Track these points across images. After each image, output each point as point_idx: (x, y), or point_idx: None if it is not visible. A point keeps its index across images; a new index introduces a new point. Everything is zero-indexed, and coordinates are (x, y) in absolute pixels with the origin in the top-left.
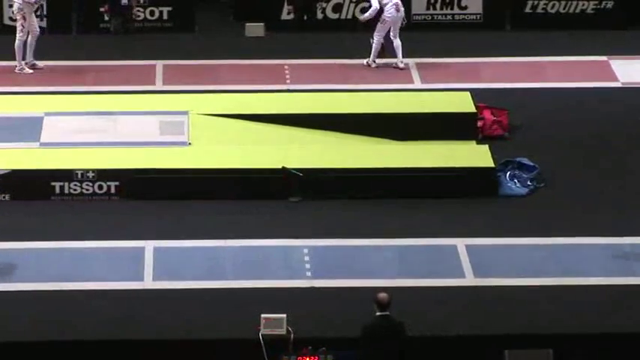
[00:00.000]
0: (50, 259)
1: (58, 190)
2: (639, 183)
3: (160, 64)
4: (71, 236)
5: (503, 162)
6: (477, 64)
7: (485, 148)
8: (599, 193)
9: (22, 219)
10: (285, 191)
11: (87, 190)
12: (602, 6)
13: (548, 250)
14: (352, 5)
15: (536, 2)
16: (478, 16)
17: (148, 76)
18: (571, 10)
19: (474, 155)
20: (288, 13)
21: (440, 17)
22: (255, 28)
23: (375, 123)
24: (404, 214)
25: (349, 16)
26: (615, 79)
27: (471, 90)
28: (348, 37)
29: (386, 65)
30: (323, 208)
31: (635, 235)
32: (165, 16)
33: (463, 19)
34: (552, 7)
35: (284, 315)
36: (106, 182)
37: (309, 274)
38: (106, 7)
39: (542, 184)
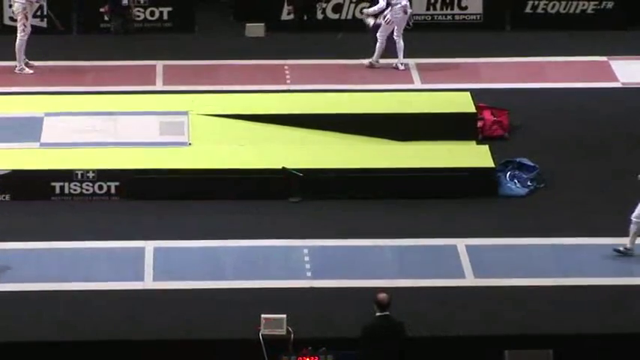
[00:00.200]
0: (50, 259)
1: (58, 191)
2: (639, 183)
3: (160, 64)
4: (71, 236)
5: (503, 162)
6: (477, 64)
7: (486, 148)
8: (599, 193)
9: (22, 219)
10: (285, 191)
11: (87, 190)
12: (602, 6)
13: (548, 250)
14: (352, 5)
15: (536, 2)
16: (478, 16)
17: (148, 76)
18: (571, 11)
19: (474, 155)
20: (288, 14)
21: (440, 17)
22: (255, 29)
23: (375, 123)
24: (404, 214)
25: (349, 17)
26: (615, 80)
27: (471, 90)
28: (348, 37)
29: (386, 65)
30: (323, 208)
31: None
32: (165, 17)
33: (463, 19)
34: (552, 8)
35: (284, 315)
36: (106, 182)
37: (309, 274)
38: (106, 7)
39: (542, 185)
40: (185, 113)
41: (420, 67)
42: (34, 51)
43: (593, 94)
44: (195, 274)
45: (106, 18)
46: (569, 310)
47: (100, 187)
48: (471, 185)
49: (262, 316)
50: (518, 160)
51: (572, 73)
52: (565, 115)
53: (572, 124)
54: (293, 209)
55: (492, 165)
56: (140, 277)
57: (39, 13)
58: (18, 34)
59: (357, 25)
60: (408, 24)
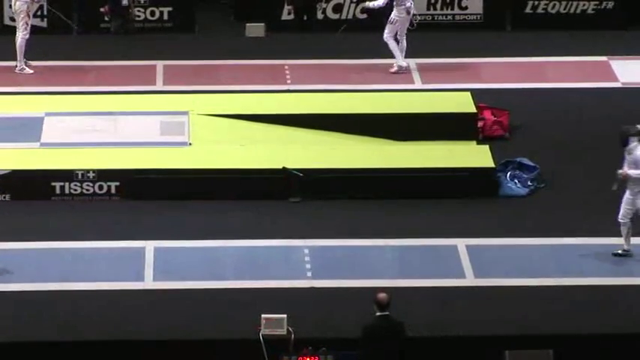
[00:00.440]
0: (50, 259)
1: (58, 190)
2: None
3: (160, 64)
4: (71, 236)
5: (503, 162)
6: (477, 64)
7: (486, 148)
8: (599, 193)
9: (22, 219)
10: (286, 191)
11: (87, 190)
12: (602, 6)
13: (548, 250)
14: (352, 5)
15: (536, 2)
16: (478, 16)
17: (148, 76)
18: (571, 11)
19: (474, 155)
20: (289, 14)
21: (440, 17)
22: (255, 29)
23: (375, 123)
24: (404, 214)
25: (349, 17)
26: (615, 80)
27: (471, 90)
28: (349, 37)
29: (386, 65)
30: (323, 208)
31: (635, 235)
32: (165, 17)
33: (463, 19)
34: (552, 8)
35: (284, 315)
36: (106, 182)
37: (309, 274)
38: (106, 7)
39: (542, 185)
40: (185, 113)
41: (420, 67)
42: (34, 51)
43: (593, 94)
44: (195, 274)
45: (106, 18)
46: (569, 310)
47: (101, 187)
48: (471, 185)
49: (262, 316)
50: (518, 160)
51: (572, 73)
52: (565, 115)
53: (572, 124)
54: (293, 209)
55: (492, 165)
56: (140, 277)
57: (39, 13)
58: (20, 33)
59: (357, 24)
60: (411, 24)
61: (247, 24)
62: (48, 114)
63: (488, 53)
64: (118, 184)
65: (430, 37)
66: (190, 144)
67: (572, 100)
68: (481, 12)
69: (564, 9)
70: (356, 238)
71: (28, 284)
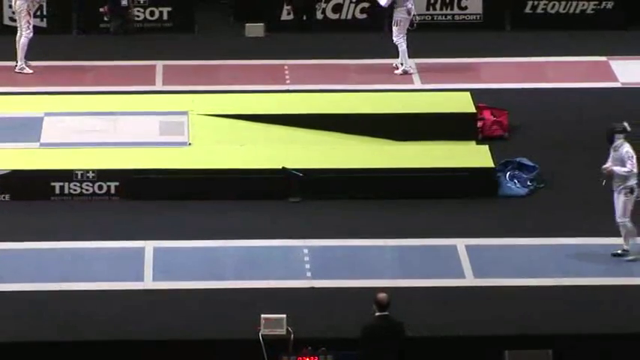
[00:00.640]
0: (50, 259)
1: (58, 191)
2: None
3: (160, 64)
4: (71, 236)
5: (503, 162)
6: (477, 64)
7: (485, 148)
8: (599, 193)
9: (22, 219)
10: (285, 191)
11: (87, 190)
12: (602, 6)
13: (548, 250)
14: (352, 5)
15: (536, 2)
16: (478, 16)
17: (148, 76)
18: (571, 11)
19: (474, 155)
20: (288, 14)
21: (440, 17)
22: (255, 29)
23: (375, 123)
24: (404, 214)
25: (349, 17)
26: (615, 80)
27: (471, 90)
28: (349, 37)
29: (386, 65)
30: (323, 208)
31: (635, 235)
32: (165, 17)
33: (463, 19)
34: (552, 8)
35: (284, 315)
36: (106, 182)
37: (309, 274)
38: (106, 7)
39: (542, 185)
40: (185, 113)
41: (420, 67)
42: (33, 51)
43: (593, 94)
44: (195, 274)
45: (105, 18)
46: (569, 310)
47: (100, 187)
48: (471, 185)
49: (262, 316)
50: (518, 160)
51: (572, 73)
52: (565, 115)
53: (572, 124)
54: (293, 209)
55: (492, 165)
56: (140, 277)
57: (39, 13)
58: (23, 32)
59: (357, 24)
60: (411, 24)
61: (247, 24)
62: (48, 114)
63: (488, 53)
64: (117, 184)
65: (430, 37)
66: (190, 144)
67: (571, 100)
68: (481, 12)
69: (564, 9)
70: (356, 238)
71: (28, 284)
